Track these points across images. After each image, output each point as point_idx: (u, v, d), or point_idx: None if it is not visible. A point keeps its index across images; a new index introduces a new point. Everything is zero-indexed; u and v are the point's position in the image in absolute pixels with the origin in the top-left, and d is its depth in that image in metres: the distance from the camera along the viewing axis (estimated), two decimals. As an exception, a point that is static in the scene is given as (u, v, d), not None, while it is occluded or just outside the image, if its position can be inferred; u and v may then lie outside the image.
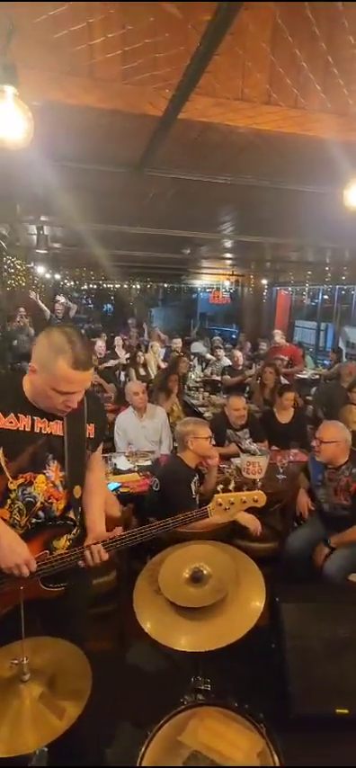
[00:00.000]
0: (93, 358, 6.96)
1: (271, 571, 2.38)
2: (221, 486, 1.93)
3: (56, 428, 1.69)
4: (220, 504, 1.80)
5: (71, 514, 1.74)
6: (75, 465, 1.73)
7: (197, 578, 1.68)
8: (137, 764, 1.39)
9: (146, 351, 8.79)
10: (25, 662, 1.39)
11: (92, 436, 1.80)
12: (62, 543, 1.72)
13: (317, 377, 9.14)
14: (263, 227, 5.23)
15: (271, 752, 1.47)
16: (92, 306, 20.14)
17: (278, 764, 1.44)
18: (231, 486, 1.92)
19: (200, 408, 6.61)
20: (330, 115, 2.00)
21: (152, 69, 1.85)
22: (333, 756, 2.22)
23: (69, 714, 1.35)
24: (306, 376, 9.25)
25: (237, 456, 4.20)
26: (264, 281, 12.25)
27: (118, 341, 9.43)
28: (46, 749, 1.58)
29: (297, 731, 2.35)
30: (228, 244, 6.94)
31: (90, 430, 1.79)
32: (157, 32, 1.77)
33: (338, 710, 2.54)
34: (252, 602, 1.67)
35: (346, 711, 2.54)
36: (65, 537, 1.73)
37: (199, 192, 3.57)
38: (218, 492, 1.85)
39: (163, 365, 8.24)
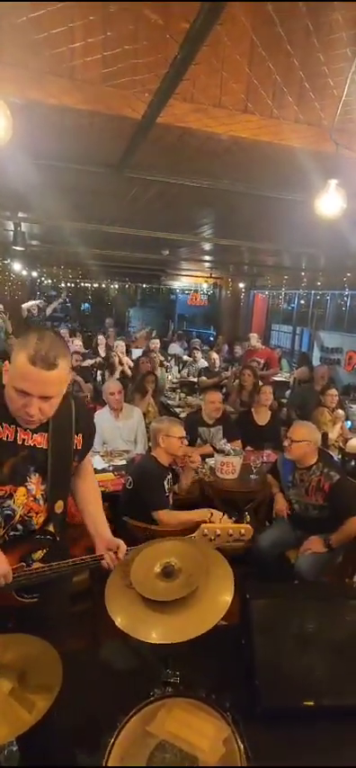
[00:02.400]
0: (74, 358, 6.93)
1: (243, 570, 2.44)
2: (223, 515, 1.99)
3: (40, 440, 1.61)
4: (206, 535, 1.84)
5: (51, 528, 1.69)
6: (58, 479, 1.66)
7: (168, 573, 1.71)
8: (106, 754, 1.41)
9: (127, 352, 8.81)
10: (-5, 657, 1.40)
11: (79, 447, 1.74)
12: (38, 555, 1.68)
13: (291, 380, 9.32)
14: (241, 231, 5.32)
15: (236, 738, 1.52)
16: (69, 304, 19.95)
17: (242, 750, 1.48)
18: (216, 519, 1.98)
19: (176, 409, 6.66)
20: (303, 126, 2.07)
21: (132, 74, 1.88)
22: (298, 746, 2.28)
23: (39, 708, 1.37)
24: (281, 379, 9.42)
25: (212, 456, 4.26)
26: (242, 285, 12.41)
27: (101, 340, 9.39)
28: (15, 749, 1.59)
29: (264, 723, 2.42)
30: (207, 246, 7.02)
31: (77, 441, 1.72)
32: (137, 39, 1.80)
33: (306, 703, 2.62)
34: (221, 596, 1.71)
35: (311, 704, 2.62)
36: (42, 549, 1.69)
37: (177, 194, 3.62)
38: (205, 522, 1.93)
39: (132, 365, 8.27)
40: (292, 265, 8.60)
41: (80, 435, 1.73)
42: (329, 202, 2.16)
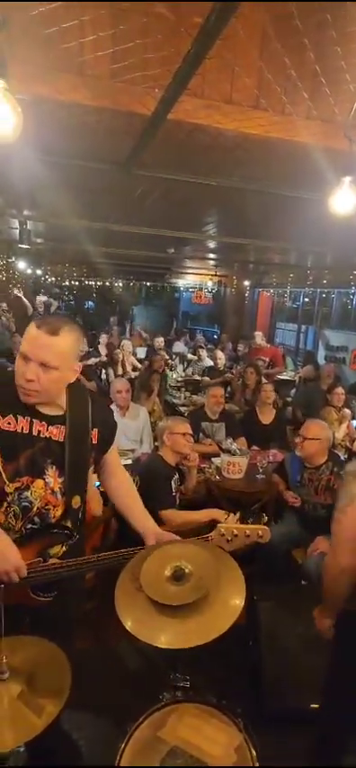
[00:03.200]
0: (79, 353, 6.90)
1: (249, 570, 2.43)
2: (237, 515, 1.95)
3: (56, 433, 1.62)
4: (223, 535, 1.81)
5: (68, 523, 1.68)
6: (75, 473, 1.67)
7: (178, 576, 1.68)
8: (117, 762, 1.39)
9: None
10: (4, 661, 1.38)
11: (95, 442, 1.74)
12: (56, 551, 1.66)
13: (296, 379, 9.28)
14: (248, 229, 5.28)
15: (248, 746, 1.50)
16: (73, 302, 19.95)
17: (255, 758, 1.46)
18: (233, 519, 1.94)
19: (181, 408, 6.64)
20: (316, 122, 2.04)
21: (142, 69, 1.85)
22: (305, 751, 2.27)
23: (48, 712, 1.35)
24: (286, 377, 9.37)
25: (218, 456, 4.24)
26: (247, 283, 12.36)
27: (103, 338, 9.40)
28: (22, 749, 1.57)
29: (271, 726, 2.40)
30: (212, 244, 6.98)
31: (93, 435, 1.73)
32: (148, 33, 1.77)
33: (312, 705, 2.60)
34: (232, 600, 1.69)
35: (318, 706, 2.61)
36: (60, 545, 1.68)
37: (185, 192, 3.59)
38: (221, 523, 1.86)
39: (138, 364, 8.28)
40: (298, 263, 8.55)
41: (95, 430, 1.73)
42: (343, 200, 2.13)
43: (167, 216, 4.92)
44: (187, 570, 1.71)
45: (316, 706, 2.59)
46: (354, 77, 1.75)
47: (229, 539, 1.79)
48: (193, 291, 15.26)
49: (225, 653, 2.76)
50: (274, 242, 5.78)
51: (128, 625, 1.60)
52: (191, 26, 1.45)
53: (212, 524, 3.07)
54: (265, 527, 1.86)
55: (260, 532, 1.84)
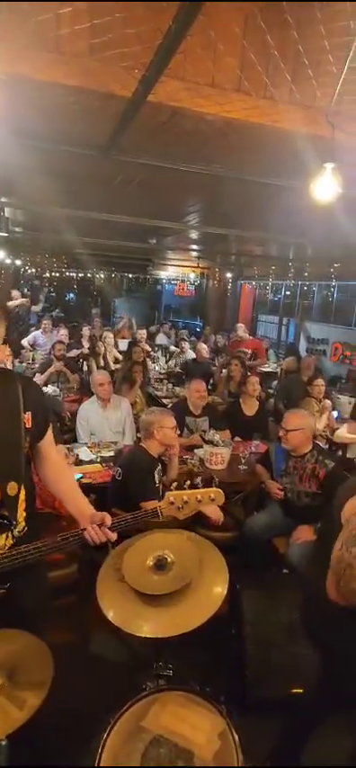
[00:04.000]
0: (59, 347, 6.83)
1: (232, 559, 2.43)
2: (187, 482, 1.87)
3: None
4: (172, 503, 1.73)
5: (4, 511, 1.61)
6: (6, 458, 1.61)
7: (161, 566, 1.67)
8: (99, 752, 1.37)
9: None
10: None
11: (29, 426, 1.67)
12: (2, 542, 1.61)
13: (278, 371, 9.35)
14: (230, 219, 5.26)
15: (231, 732, 1.49)
16: (54, 294, 19.67)
17: (237, 743, 1.46)
18: (186, 485, 1.85)
19: (163, 400, 6.61)
20: (298, 107, 2.02)
21: (121, 46, 1.80)
22: (288, 735, 2.29)
23: (30, 705, 1.32)
24: (268, 369, 9.43)
25: (201, 447, 4.23)
26: (229, 275, 12.37)
27: (86, 331, 9.29)
28: (5, 742, 1.53)
29: (255, 713, 2.42)
30: (194, 235, 6.94)
31: (27, 419, 1.66)
32: (127, 7, 1.71)
33: (293, 690, 2.63)
34: (214, 589, 1.68)
35: (301, 691, 2.64)
36: (4, 535, 1.62)
37: (166, 180, 3.54)
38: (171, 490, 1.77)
39: (120, 356, 8.23)
40: (279, 255, 8.58)
41: (29, 413, 1.67)
42: (324, 187, 2.12)
43: (148, 205, 4.86)
44: (169, 559, 1.70)
45: (299, 691, 2.62)
46: (337, 59, 1.73)
47: (180, 506, 1.72)
48: (176, 284, 15.22)
49: (208, 642, 2.76)
50: (256, 232, 5.77)
51: (110, 616, 1.58)
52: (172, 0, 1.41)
53: (197, 515, 3.10)
54: (217, 489, 1.79)
55: (212, 495, 1.77)
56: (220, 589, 1.68)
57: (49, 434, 1.82)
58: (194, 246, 8.54)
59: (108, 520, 1.68)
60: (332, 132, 1.95)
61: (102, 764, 1.36)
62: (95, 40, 1.79)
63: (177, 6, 1.38)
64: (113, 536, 1.67)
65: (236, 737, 1.50)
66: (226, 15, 1.61)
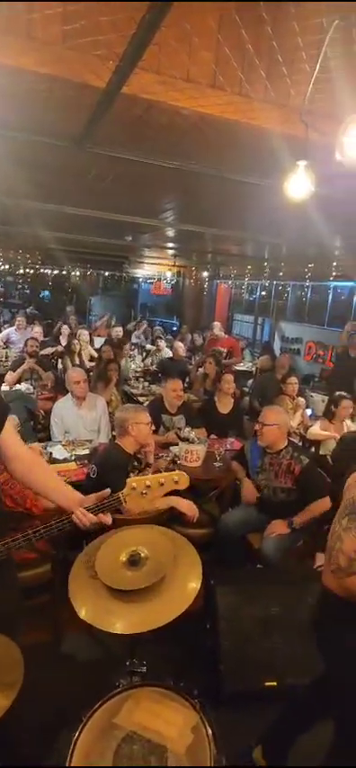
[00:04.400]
0: (31, 344, 6.72)
1: (207, 556, 2.44)
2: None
3: None
4: (135, 488, 1.67)
5: None
6: None
7: (134, 561, 1.66)
8: (70, 751, 1.35)
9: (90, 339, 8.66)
10: None
11: None
12: None
13: (253, 370, 9.45)
14: (206, 217, 5.27)
15: (204, 726, 1.49)
16: (28, 291, 19.31)
17: (211, 736, 1.46)
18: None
19: (139, 398, 6.59)
20: (272, 105, 2.03)
21: (95, 34, 1.76)
22: (263, 726, 2.31)
23: (0, 705, 1.29)
24: (244, 368, 9.53)
25: (177, 444, 4.23)
26: (205, 274, 12.42)
27: (65, 329, 9.17)
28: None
29: (230, 706, 2.43)
30: (171, 233, 6.92)
31: None
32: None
33: (267, 683, 2.66)
34: (188, 584, 1.68)
35: (275, 683, 2.67)
36: None
37: (142, 175, 3.51)
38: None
39: (95, 354, 8.17)
40: (255, 255, 8.66)
41: None
42: (298, 185, 2.14)
43: (124, 200, 4.82)
44: (143, 555, 1.69)
45: (272, 684, 2.66)
46: (309, 57, 1.75)
47: (143, 491, 1.67)
48: (152, 282, 15.18)
49: (182, 638, 2.76)
50: (232, 231, 5.80)
51: (82, 614, 1.56)
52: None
53: (170, 512, 3.10)
54: (181, 472, 1.77)
55: (175, 478, 1.74)
56: (194, 584, 1.68)
57: (9, 426, 1.76)
58: (171, 244, 8.52)
59: (98, 497, 1.65)
60: (305, 131, 1.97)
61: (73, 764, 1.34)
62: (68, 26, 1.75)
63: (151, -4, 1.37)
64: (108, 519, 1.63)
65: (210, 731, 1.50)
66: (202, 8, 1.60)
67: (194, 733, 1.45)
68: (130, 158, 2.91)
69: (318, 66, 1.71)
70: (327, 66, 1.72)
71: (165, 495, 3.01)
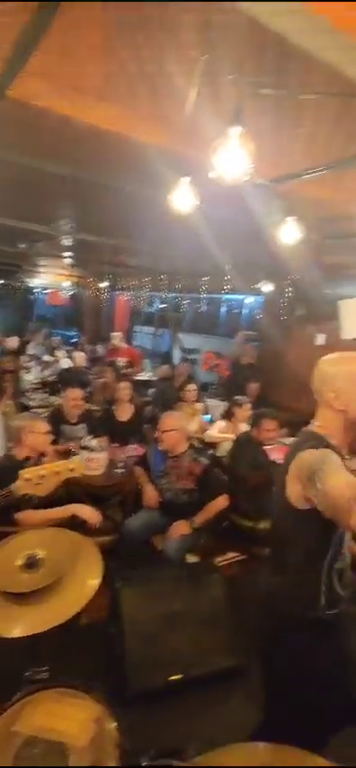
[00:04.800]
0: None
1: (111, 562, 2.46)
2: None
3: None
4: (29, 480, 1.63)
5: None
6: None
7: (31, 564, 1.64)
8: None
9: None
10: None
11: None
12: None
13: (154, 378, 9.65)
14: (102, 227, 5.31)
15: (107, 718, 1.53)
16: None
17: (114, 726, 1.50)
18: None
19: (38, 410, 6.35)
20: (156, 121, 2.15)
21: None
22: (171, 718, 2.39)
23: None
24: (144, 378, 9.68)
25: (75, 453, 4.18)
26: (104, 285, 12.40)
27: None
28: None
29: (137, 704, 2.47)
30: (68, 242, 6.81)
31: None
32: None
33: (171, 678, 2.76)
34: (88, 580, 1.71)
35: (180, 676, 2.78)
36: None
37: (37, 181, 3.45)
38: None
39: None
40: (153, 267, 8.88)
41: None
42: (182, 199, 2.30)
43: (16, 206, 4.66)
44: (40, 556, 1.68)
45: (178, 678, 2.75)
46: (189, 80, 1.87)
47: (38, 482, 1.65)
48: (49, 292, 14.69)
49: (87, 645, 2.74)
50: (128, 242, 5.91)
51: (-25, 624, 1.50)
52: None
53: (71, 520, 3.05)
54: (76, 460, 1.82)
55: (71, 466, 1.76)
56: (94, 580, 1.71)
57: None
58: (67, 254, 8.36)
59: None
60: (187, 148, 2.13)
61: (-32, 780, 1.28)
62: None
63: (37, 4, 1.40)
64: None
65: (113, 723, 1.53)
66: (86, 23, 1.67)
67: (98, 724, 1.47)
68: (23, 163, 2.85)
69: (197, 89, 1.87)
70: (203, 90, 1.89)
71: (66, 505, 3.00)
